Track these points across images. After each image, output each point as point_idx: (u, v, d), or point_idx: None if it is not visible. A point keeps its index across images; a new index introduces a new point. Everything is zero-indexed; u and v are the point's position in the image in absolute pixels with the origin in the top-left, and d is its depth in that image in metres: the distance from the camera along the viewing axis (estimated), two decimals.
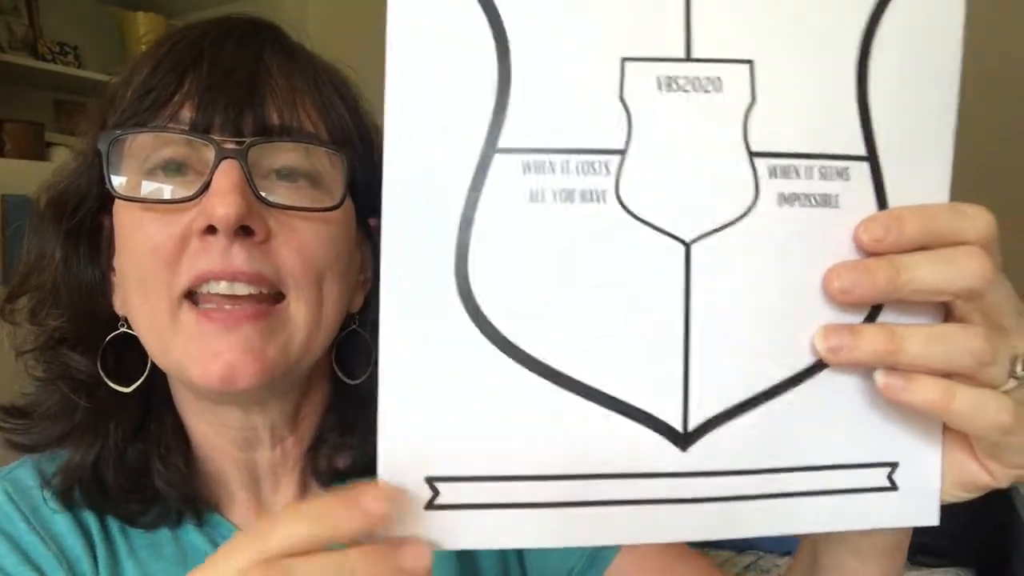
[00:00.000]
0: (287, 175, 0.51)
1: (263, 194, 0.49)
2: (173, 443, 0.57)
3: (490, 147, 0.34)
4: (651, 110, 0.34)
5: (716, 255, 0.35)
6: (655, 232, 0.35)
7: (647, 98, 0.34)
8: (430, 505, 0.34)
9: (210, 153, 0.49)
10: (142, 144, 0.50)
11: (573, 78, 0.34)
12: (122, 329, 0.55)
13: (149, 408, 0.57)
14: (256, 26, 0.55)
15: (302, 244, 0.51)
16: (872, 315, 0.36)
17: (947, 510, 0.39)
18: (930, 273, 0.34)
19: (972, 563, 1.60)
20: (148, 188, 0.50)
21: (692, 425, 0.35)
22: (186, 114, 0.50)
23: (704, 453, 0.36)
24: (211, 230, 0.48)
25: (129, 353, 0.55)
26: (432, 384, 0.34)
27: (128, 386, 0.55)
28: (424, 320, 0.34)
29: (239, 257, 0.48)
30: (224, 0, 2.95)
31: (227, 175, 0.48)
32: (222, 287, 0.49)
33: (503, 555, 0.65)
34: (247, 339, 0.49)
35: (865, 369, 0.36)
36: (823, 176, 0.36)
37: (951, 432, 0.38)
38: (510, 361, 0.34)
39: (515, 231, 0.34)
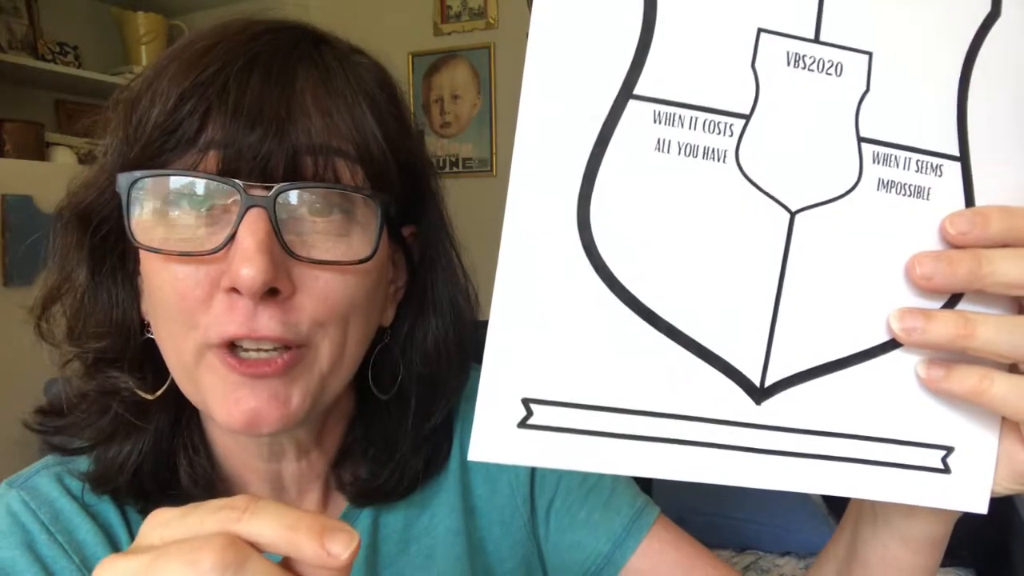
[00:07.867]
0: (319, 209, 0.49)
1: (291, 247, 0.47)
2: (201, 445, 0.57)
3: (626, 91, 0.36)
4: (778, 82, 0.37)
5: (816, 227, 0.37)
6: (765, 197, 0.37)
7: (775, 70, 0.37)
8: (522, 424, 0.35)
9: (237, 196, 0.47)
10: (165, 184, 0.48)
11: (712, 38, 0.36)
12: (149, 335, 0.54)
13: (181, 406, 0.56)
14: (288, 41, 0.51)
15: (329, 292, 0.50)
16: (949, 305, 0.39)
17: None
18: (1011, 267, 0.36)
19: (972, 563, 1.64)
20: (170, 222, 0.49)
21: (769, 381, 0.38)
22: (212, 156, 0.48)
23: (776, 409, 0.38)
24: (237, 290, 0.47)
25: (157, 352, 0.53)
26: (539, 310, 0.35)
27: (159, 387, 0.54)
28: (540, 246, 0.35)
29: (263, 320, 0.47)
30: (224, 0, 2.94)
31: (253, 230, 0.46)
32: (247, 344, 0.49)
33: (525, 553, 0.66)
34: (272, 387, 0.49)
35: (934, 353, 0.39)
36: (919, 169, 0.38)
37: (1007, 424, 0.40)
38: (613, 296, 0.36)
39: (638, 176, 0.36)
